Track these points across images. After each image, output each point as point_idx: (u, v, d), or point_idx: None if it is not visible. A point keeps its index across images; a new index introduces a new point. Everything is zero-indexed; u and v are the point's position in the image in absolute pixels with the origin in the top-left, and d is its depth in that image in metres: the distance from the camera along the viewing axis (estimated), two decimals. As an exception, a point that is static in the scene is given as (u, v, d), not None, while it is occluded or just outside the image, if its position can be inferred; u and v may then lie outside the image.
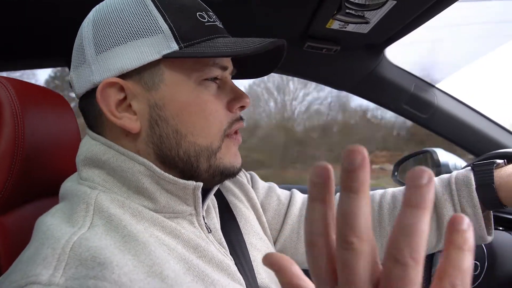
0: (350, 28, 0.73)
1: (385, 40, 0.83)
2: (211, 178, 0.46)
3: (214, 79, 0.45)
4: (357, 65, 0.94)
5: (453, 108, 1.00)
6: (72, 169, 0.45)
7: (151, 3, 0.42)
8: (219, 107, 0.45)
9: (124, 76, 0.42)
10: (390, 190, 0.62)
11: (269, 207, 0.63)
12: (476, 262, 0.64)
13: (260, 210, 0.61)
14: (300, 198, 0.66)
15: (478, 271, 0.63)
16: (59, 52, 0.89)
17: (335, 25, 0.72)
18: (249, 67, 0.52)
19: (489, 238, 0.53)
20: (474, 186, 0.52)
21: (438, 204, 0.54)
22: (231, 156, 0.47)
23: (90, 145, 0.44)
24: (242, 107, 0.47)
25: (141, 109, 0.43)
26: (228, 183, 0.61)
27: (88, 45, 0.43)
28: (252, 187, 0.64)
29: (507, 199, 0.50)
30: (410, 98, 0.98)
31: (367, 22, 0.68)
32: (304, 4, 0.68)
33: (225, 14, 0.71)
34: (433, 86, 1.01)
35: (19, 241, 0.52)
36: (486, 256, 0.63)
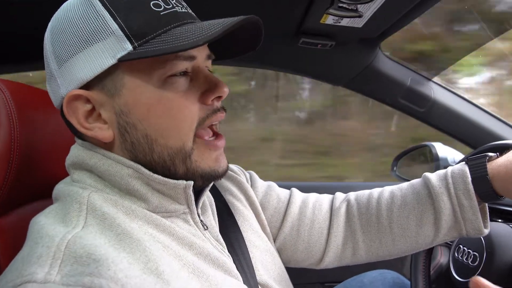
0: (344, 22, 0.73)
1: (380, 34, 0.83)
2: (194, 181, 0.44)
3: (184, 73, 0.42)
4: (352, 60, 0.94)
5: (450, 101, 1.00)
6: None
7: (99, 2, 0.39)
8: (189, 102, 0.42)
9: (87, 85, 0.40)
10: (388, 187, 0.62)
11: (268, 205, 0.63)
12: (475, 253, 0.64)
13: (259, 208, 0.61)
14: (299, 196, 0.65)
15: (477, 262, 0.63)
16: None
17: (329, 20, 0.72)
18: (230, 46, 0.48)
19: (486, 231, 0.53)
20: (469, 179, 0.52)
21: (436, 198, 0.54)
22: (210, 161, 0.45)
23: (77, 149, 0.44)
24: (219, 97, 0.44)
25: (110, 117, 0.41)
26: (226, 182, 0.61)
27: (50, 58, 0.42)
28: (251, 186, 0.64)
29: (501, 189, 0.51)
30: (407, 92, 0.99)
31: (360, 16, 0.68)
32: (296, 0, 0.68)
33: (217, 10, 0.71)
34: (430, 80, 1.01)
35: (17, 243, 0.52)
36: (484, 247, 0.63)
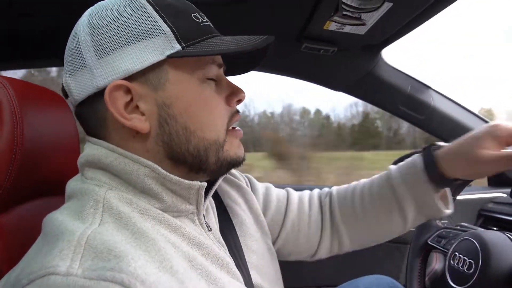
0: (347, 29, 0.74)
1: (382, 42, 0.84)
2: (219, 169, 0.48)
3: (212, 79, 0.47)
4: (354, 66, 0.95)
5: (449, 109, 1.01)
6: (70, 168, 0.46)
7: (150, 6, 0.43)
8: (220, 102, 0.48)
9: (129, 78, 0.42)
10: (363, 180, 0.68)
11: (270, 205, 0.67)
12: (470, 260, 0.65)
13: (259, 210, 0.63)
14: (295, 195, 0.71)
15: (472, 269, 0.64)
16: (55, 54, 0.89)
17: (332, 26, 0.73)
18: (233, 64, 0.54)
19: (447, 211, 0.60)
20: (420, 166, 0.58)
21: (396, 189, 0.60)
22: (235, 147, 0.49)
23: (92, 148, 0.44)
24: (239, 101, 0.50)
25: (149, 109, 0.43)
26: (225, 186, 0.63)
27: (87, 50, 0.43)
28: (251, 189, 0.66)
29: (449, 172, 0.56)
30: (407, 99, 0.99)
31: (363, 24, 0.69)
32: (300, 5, 0.68)
33: (222, 16, 0.72)
34: (429, 87, 1.02)
35: (17, 239, 0.52)
36: (480, 255, 0.63)
